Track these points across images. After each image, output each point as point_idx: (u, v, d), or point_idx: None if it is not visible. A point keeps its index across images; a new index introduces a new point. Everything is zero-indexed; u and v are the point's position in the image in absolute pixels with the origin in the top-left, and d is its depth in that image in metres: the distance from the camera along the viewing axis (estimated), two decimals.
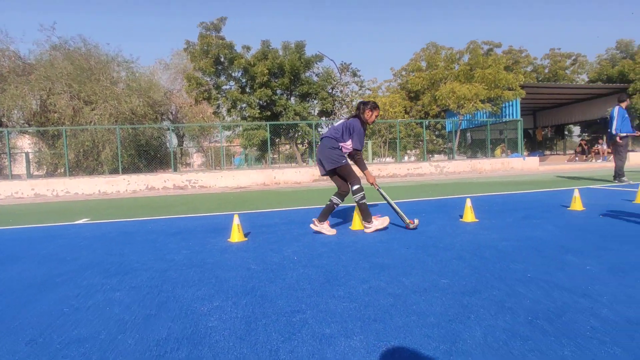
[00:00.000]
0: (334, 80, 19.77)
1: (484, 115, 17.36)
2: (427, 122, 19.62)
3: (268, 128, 14.54)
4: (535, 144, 26.85)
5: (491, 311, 1.80)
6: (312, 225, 3.79)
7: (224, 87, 17.91)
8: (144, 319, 1.90)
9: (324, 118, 20.99)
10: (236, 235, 3.63)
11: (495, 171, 15.04)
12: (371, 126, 21.08)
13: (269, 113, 18.05)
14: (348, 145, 3.82)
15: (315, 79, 19.75)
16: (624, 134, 7.66)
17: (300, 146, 20.56)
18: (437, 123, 21.13)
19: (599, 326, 1.61)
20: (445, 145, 22.23)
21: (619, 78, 20.55)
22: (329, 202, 3.83)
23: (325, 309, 1.91)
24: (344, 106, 21.43)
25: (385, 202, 4.16)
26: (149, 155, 16.55)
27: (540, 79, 28.39)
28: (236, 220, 3.67)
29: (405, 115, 21.16)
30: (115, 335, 1.73)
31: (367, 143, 20.78)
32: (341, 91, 20.25)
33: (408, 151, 22.63)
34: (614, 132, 7.74)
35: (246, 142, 16.64)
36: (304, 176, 13.33)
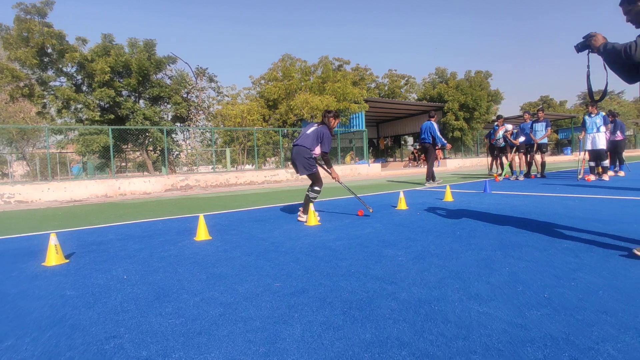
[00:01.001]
0: (189, 85, 18.84)
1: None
2: (285, 131, 20.31)
3: (111, 133, 12.94)
4: (379, 152, 30.53)
5: (313, 308, 1.95)
6: (299, 218, 4.73)
7: (52, 83, 15.24)
8: None
9: (178, 124, 19.78)
10: (53, 258, 3.10)
11: (345, 176, 16.50)
12: (230, 133, 20.57)
13: (112, 116, 16.09)
14: (317, 151, 4.65)
15: (168, 82, 18.49)
16: (438, 144, 9.31)
17: (152, 153, 18.91)
18: (295, 132, 22.07)
19: (396, 307, 1.90)
20: None
21: (438, 98, 25.02)
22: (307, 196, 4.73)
23: (148, 330, 1.78)
24: (201, 112, 20.63)
25: (351, 193, 5.28)
26: None
27: (381, 95, 32.40)
28: (53, 240, 3.14)
29: (264, 123, 21.52)
30: None
31: (225, 150, 20.40)
32: (197, 96, 19.45)
33: (268, 158, 23.01)
34: (444, 141, 9.30)
35: (83, 149, 14.48)
36: (155, 186, 12.30)
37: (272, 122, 22.01)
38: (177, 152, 19.66)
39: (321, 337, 1.61)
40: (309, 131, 4.64)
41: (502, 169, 11.97)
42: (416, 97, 30.37)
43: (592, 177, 8.64)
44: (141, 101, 17.82)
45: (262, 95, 21.97)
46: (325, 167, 4.85)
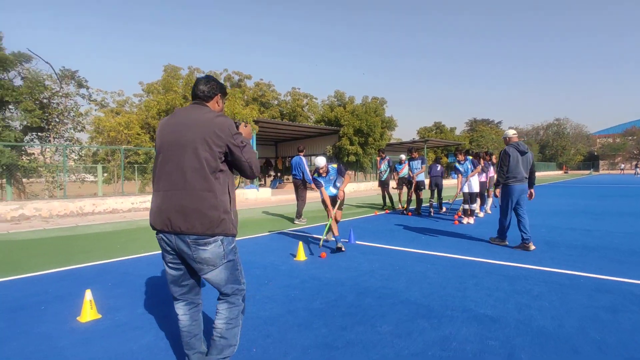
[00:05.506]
0: (48, 90, 15.95)
1: None
2: None
3: None
4: (277, 172, 29.70)
5: None
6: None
7: None
8: None
9: (34, 135, 16.60)
10: None
11: None
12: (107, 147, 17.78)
13: None
14: None
15: (19, 83, 15.40)
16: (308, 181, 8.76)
17: None
18: None
19: None
20: None
21: (335, 122, 25.16)
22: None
23: None
24: (67, 122, 17.56)
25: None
26: None
27: (284, 112, 31.85)
28: None
29: (150, 142, 19.14)
30: None
31: (96, 167, 17.62)
32: (58, 104, 16.56)
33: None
34: (311, 179, 8.75)
35: None
36: None
37: None
38: (28, 169, 16.30)
39: None
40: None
41: (392, 202, 11.89)
42: (314, 119, 30.41)
43: (465, 221, 8.72)
44: None
45: (148, 108, 19.66)
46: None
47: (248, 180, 18.66)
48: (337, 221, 5.85)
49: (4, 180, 14.93)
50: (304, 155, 8.90)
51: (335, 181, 5.99)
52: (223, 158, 2.07)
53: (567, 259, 5.12)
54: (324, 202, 5.80)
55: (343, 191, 5.75)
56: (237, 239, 2.26)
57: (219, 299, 2.22)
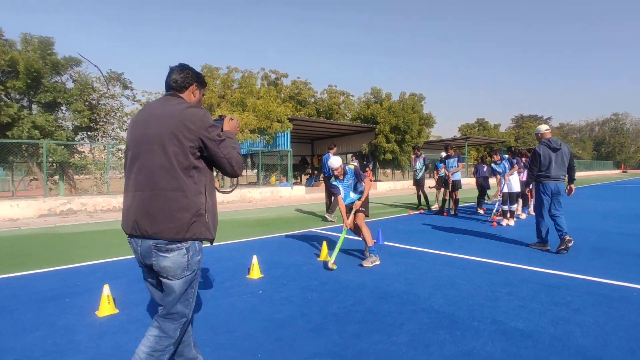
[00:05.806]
0: (96, 91, 16.84)
1: (260, 144, 17.79)
2: None
3: None
4: (313, 170, 29.64)
5: None
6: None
7: None
8: None
9: (84, 134, 17.60)
10: None
11: (265, 200, 15.37)
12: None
13: None
14: None
15: (71, 86, 16.39)
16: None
17: (50, 166, 16.52)
18: None
19: None
20: None
21: (371, 119, 24.68)
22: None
23: None
24: (114, 122, 18.51)
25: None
26: None
27: (320, 110, 31.74)
28: None
29: None
30: None
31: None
32: (105, 105, 17.45)
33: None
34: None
35: None
36: (25, 211, 10.35)
37: None
38: (79, 166, 17.37)
39: None
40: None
41: (427, 201, 11.33)
42: (350, 116, 30.07)
43: (504, 222, 8.22)
44: (34, 107, 15.57)
45: None
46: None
47: (283, 178, 18.77)
48: (358, 228, 5.00)
49: (57, 176, 16.04)
50: (334, 154, 8.78)
51: (355, 185, 5.03)
52: (198, 154, 1.87)
53: (618, 268, 4.62)
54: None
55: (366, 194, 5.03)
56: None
57: (155, 318, 1.99)
